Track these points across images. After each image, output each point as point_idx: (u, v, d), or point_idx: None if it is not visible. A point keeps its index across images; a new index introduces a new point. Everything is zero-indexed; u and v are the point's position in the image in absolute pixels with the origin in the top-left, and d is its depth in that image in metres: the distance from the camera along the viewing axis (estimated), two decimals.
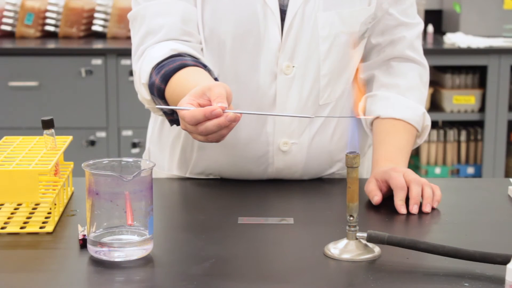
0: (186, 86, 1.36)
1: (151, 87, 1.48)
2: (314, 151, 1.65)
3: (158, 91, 1.46)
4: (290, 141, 1.62)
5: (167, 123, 1.71)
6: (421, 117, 1.65)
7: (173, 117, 1.50)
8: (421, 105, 1.67)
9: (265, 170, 1.64)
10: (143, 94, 1.52)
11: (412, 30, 1.69)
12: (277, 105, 1.59)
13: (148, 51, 1.53)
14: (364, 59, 1.70)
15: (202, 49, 1.57)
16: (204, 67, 1.47)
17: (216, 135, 1.27)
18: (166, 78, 1.45)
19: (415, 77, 1.69)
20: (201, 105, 1.27)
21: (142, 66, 1.51)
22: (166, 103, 1.46)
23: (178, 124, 1.50)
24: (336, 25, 1.58)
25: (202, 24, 1.56)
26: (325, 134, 1.65)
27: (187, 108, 1.26)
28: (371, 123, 1.67)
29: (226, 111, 1.24)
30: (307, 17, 1.56)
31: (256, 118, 1.60)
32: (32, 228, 1.33)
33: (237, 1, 1.55)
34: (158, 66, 1.48)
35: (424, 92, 1.70)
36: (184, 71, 1.44)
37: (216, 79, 1.45)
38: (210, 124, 1.25)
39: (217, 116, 1.24)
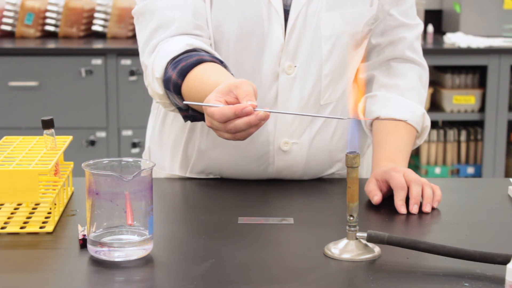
0: (206, 82, 1.36)
1: (167, 82, 1.46)
2: (314, 151, 1.65)
3: (174, 86, 1.45)
4: (290, 140, 1.62)
5: (167, 121, 1.71)
6: (421, 117, 1.65)
7: (187, 113, 1.49)
8: (420, 106, 1.67)
9: (265, 170, 1.64)
10: (156, 89, 1.50)
11: (412, 31, 1.69)
12: (279, 105, 1.59)
13: (162, 45, 1.51)
14: (364, 59, 1.70)
15: (211, 44, 1.57)
16: (221, 62, 1.46)
17: (244, 133, 1.26)
18: (183, 73, 1.43)
19: (414, 78, 1.69)
20: (228, 103, 1.26)
21: (155, 60, 1.50)
22: (182, 99, 1.45)
23: (192, 120, 1.50)
24: (339, 25, 1.58)
25: (210, 23, 1.56)
26: (326, 134, 1.65)
27: (216, 105, 1.25)
28: (371, 124, 1.67)
29: (256, 109, 1.24)
30: (309, 17, 1.56)
31: None
32: (32, 228, 1.33)
33: (242, 1, 1.55)
34: (174, 61, 1.47)
35: (423, 92, 1.70)
36: (202, 66, 1.43)
37: (232, 75, 1.44)
38: (240, 122, 1.23)
39: (248, 114, 1.23)
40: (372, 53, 1.70)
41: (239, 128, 1.24)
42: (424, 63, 1.71)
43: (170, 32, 1.52)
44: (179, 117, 1.63)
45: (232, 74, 1.44)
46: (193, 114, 1.47)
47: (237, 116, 1.23)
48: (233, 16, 1.55)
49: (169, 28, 1.52)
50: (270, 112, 1.25)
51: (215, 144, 1.63)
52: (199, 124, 1.64)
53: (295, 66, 1.58)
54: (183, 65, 1.43)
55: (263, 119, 1.24)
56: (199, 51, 1.48)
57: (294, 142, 1.63)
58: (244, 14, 1.55)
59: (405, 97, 1.66)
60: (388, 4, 1.64)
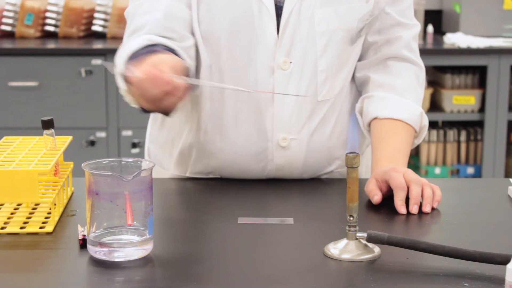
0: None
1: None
2: (313, 147, 1.65)
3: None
4: (289, 136, 1.62)
5: (166, 122, 1.71)
6: (418, 117, 1.65)
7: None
8: (418, 105, 1.67)
9: (264, 167, 1.64)
10: (120, 85, 1.52)
11: (409, 31, 1.69)
12: (276, 100, 1.59)
13: (126, 43, 1.54)
14: (360, 58, 1.70)
15: (196, 44, 1.57)
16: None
17: (164, 103, 1.31)
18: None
19: (411, 77, 1.69)
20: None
21: (119, 57, 1.52)
22: None
23: (148, 111, 1.50)
24: (333, 21, 1.58)
25: (198, 20, 1.57)
26: (324, 131, 1.65)
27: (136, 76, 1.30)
28: (369, 124, 1.67)
29: (170, 75, 1.28)
30: (303, 13, 1.57)
31: (254, 114, 1.60)
32: (32, 228, 1.33)
33: (232, 1, 1.55)
34: (133, 56, 1.48)
35: (420, 92, 1.70)
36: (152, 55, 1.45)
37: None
38: (154, 88, 1.29)
39: (161, 80, 1.28)
40: (369, 52, 1.70)
41: (155, 95, 1.30)
42: (420, 63, 1.71)
43: (140, 34, 1.54)
44: (177, 117, 1.63)
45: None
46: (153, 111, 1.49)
47: (152, 83, 1.29)
48: (223, 14, 1.56)
49: (140, 32, 1.55)
50: (189, 83, 1.31)
51: (214, 143, 1.63)
52: (197, 124, 1.64)
53: (291, 62, 1.58)
54: (137, 58, 1.45)
55: (177, 88, 1.30)
56: (158, 45, 1.49)
57: (292, 138, 1.63)
58: (234, 12, 1.56)
59: (402, 97, 1.66)
60: (384, 1, 1.64)
